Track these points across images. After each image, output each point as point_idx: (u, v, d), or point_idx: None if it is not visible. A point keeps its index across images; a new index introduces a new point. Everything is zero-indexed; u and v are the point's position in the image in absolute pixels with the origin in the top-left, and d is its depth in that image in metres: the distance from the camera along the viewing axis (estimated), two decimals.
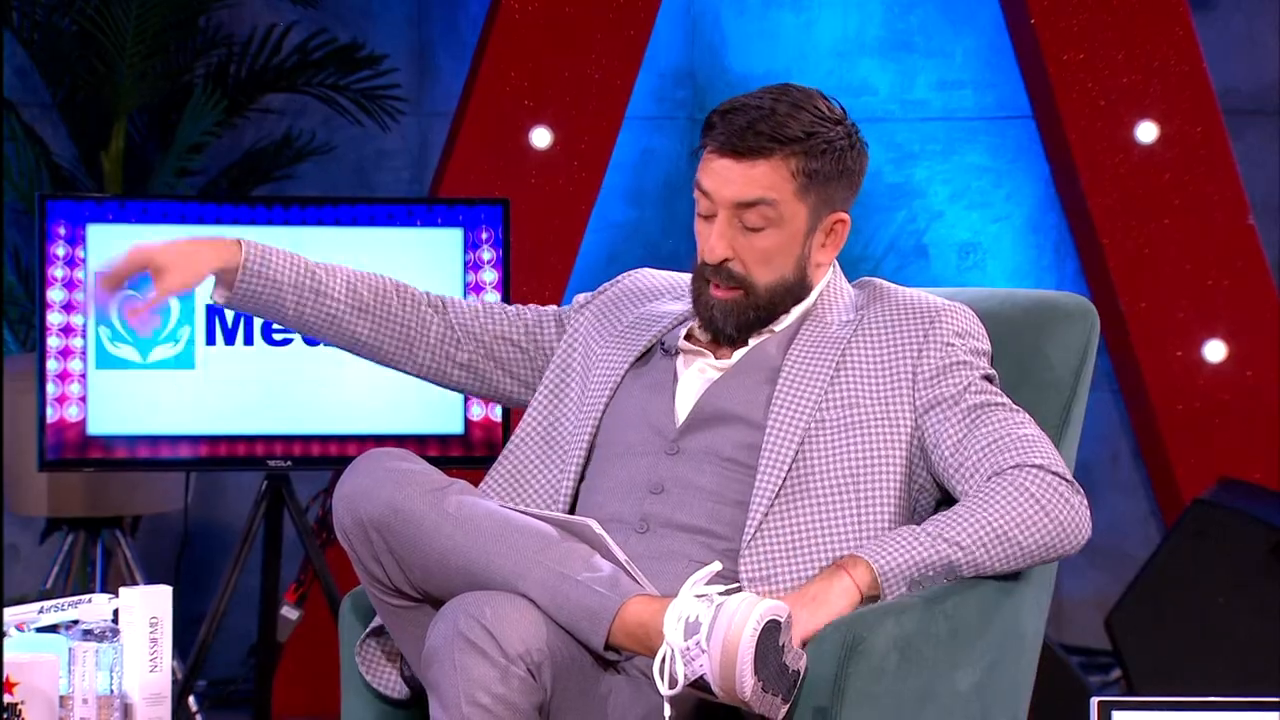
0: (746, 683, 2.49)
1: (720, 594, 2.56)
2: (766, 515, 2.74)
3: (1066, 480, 2.69)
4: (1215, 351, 5.38)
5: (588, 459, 2.91)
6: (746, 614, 2.50)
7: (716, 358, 2.88)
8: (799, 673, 2.55)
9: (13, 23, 5.31)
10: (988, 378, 2.82)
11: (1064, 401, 2.88)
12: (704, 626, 2.52)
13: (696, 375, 2.88)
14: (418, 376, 3.08)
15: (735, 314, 2.85)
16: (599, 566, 2.61)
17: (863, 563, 2.62)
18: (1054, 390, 2.88)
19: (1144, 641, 4.63)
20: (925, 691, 2.61)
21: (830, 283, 2.91)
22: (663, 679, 2.53)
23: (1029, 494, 2.67)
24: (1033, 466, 2.69)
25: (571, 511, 2.88)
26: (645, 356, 2.94)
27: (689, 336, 2.91)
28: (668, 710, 2.55)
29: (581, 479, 2.91)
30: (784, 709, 2.54)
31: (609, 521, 2.80)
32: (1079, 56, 5.38)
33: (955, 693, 2.65)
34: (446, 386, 3.10)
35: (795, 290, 2.87)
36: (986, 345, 2.86)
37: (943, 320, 2.83)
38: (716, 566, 2.61)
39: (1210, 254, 5.37)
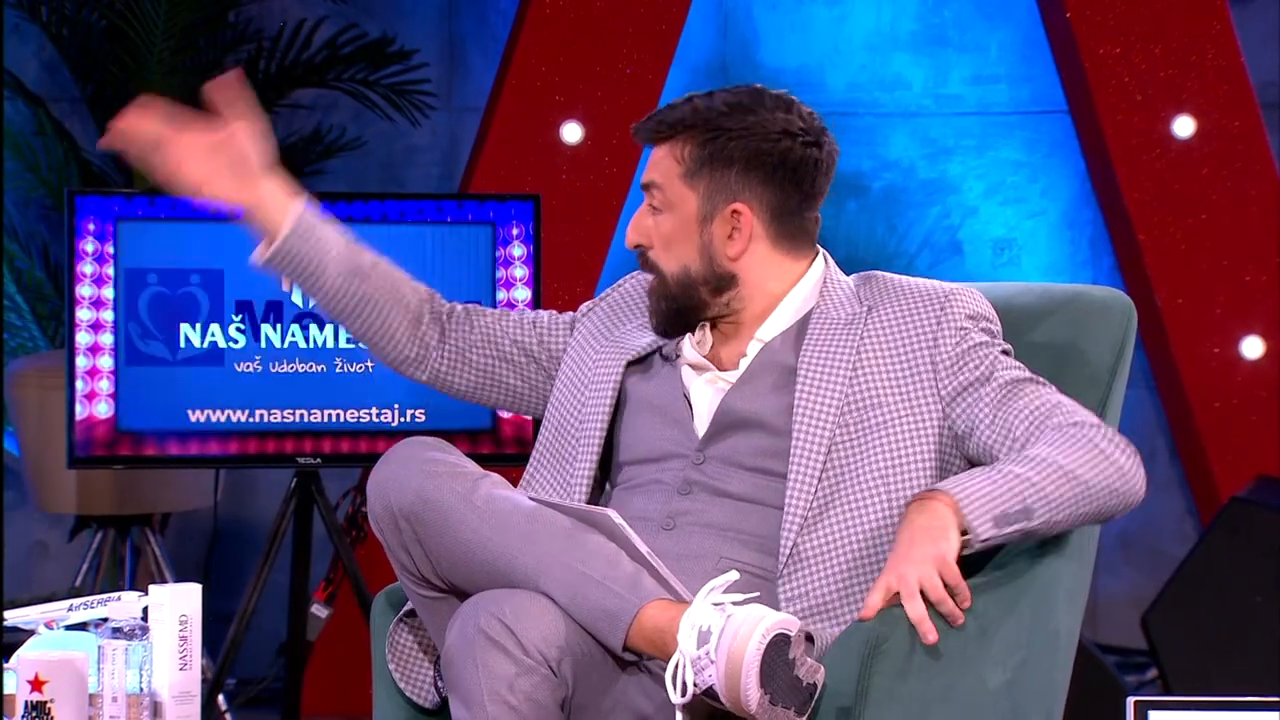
0: (751, 695, 2.49)
1: (735, 604, 2.55)
2: (801, 530, 2.72)
3: (1115, 432, 2.69)
4: (1253, 348, 5.35)
5: (604, 465, 2.91)
6: (752, 627, 2.49)
7: (721, 369, 2.86)
8: (816, 685, 2.54)
9: (42, 17, 5.30)
10: (1006, 353, 2.80)
11: (1100, 397, 2.84)
12: (714, 636, 2.52)
13: (706, 386, 2.86)
14: (427, 379, 3.04)
15: (653, 301, 2.88)
16: (622, 566, 2.61)
17: (947, 495, 2.58)
18: (1090, 385, 2.85)
19: (1180, 641, 4.60)
20: (952, 690, 2.59)
21: (825, 275, 2.88)
22: (674, 687, 2.53)
23: (1087, 439, 2.66)
24: (1085, 423, 2.68)
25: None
26: (644, 361, 2.92)
27: (696, 346, 2.90)
28: (679, 717, 2.54)
29: (601, 487, 2.92)
30: None
31: (635, 519, 2.79)
32: (1115, 50, 5.35)
33: (985, 691, 2.62)
34: (454, 391, 3.06)
35: (712, 281, 2.84)
36: (998, 325, 2.84)
37: (953, 305, 2.81)
38: (733, 576, 2.59)
39: (1248, 249, 5.33)
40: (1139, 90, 5.35)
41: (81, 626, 2.94)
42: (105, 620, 2.87)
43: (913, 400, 2.77)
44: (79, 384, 4.14)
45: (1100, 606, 5.49)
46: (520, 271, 4.25)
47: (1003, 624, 2.63)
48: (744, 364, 2.85)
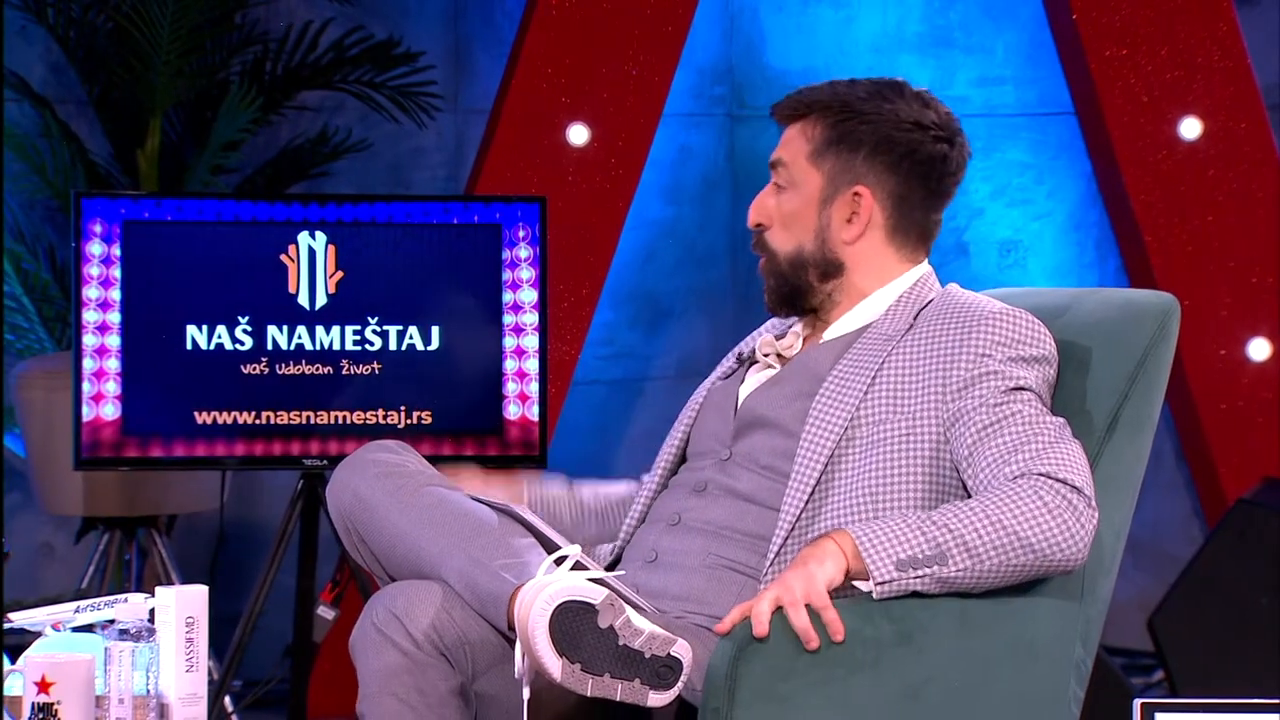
0: (549, 663, 2.48)
1: (592, 580, 2.56)
2: (789, 536, 2.73)
3: (1073, 487, 2.61)
4: (1259, 350, 5.34)
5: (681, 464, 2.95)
6: (536, 594, 2.50)
7: (781, 365, 2.87)
8: (677, 659, 2.52)
9: (49, 19, 5.31)
10: (1021, 388, 2.72)
11: (1112, 406, 2.78)
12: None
13: (753, 384, 2.88)
14: None
15: (765, 279, 2.89)
16: (521, 553, 2.63)
17: (846, 534, 2.58)
18: (1104, 393, 2.79)
19: (1187, 643, 4.60)
20: (859, 695, 2.56)
21: (907, 293, 2.86)
22: (521, 666, 2.55)
23: (1030, 490, 2.60)
24: (1037, 475, 2.62)
25: (647, 514, 2.92)
26: (735, 372, 2.97)
27: (766, 345, 2.93)
28: (525, 693, 2.55)
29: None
30: (657, 695, 2.51)
31: (655, 521, 2.85)
32: (1121, 52, 5.34)
33: (913, 698, 2.58)
34: None
35: (820, 266, 2.85)
36: (1040, 351, 2.76)
37: (982, 329, 2.75)
38: (574, 550, 2.60)
39: (1254, 251, 5.33)
40: (1145, 92, 5.35)
41: (88, 628, 2.94)
42: (112, 622, 2.86)
43: (915, 419, 2.74)
44: (85, 386, 4.14)
45: (1108, 609, 5.47)
46: (526, 273, 4.24)
47: (939, 630, 2.59)
48: (789, 363, 2.87)
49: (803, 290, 2.86)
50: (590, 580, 2.56)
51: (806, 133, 2.85)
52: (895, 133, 2.81)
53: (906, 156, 2.82)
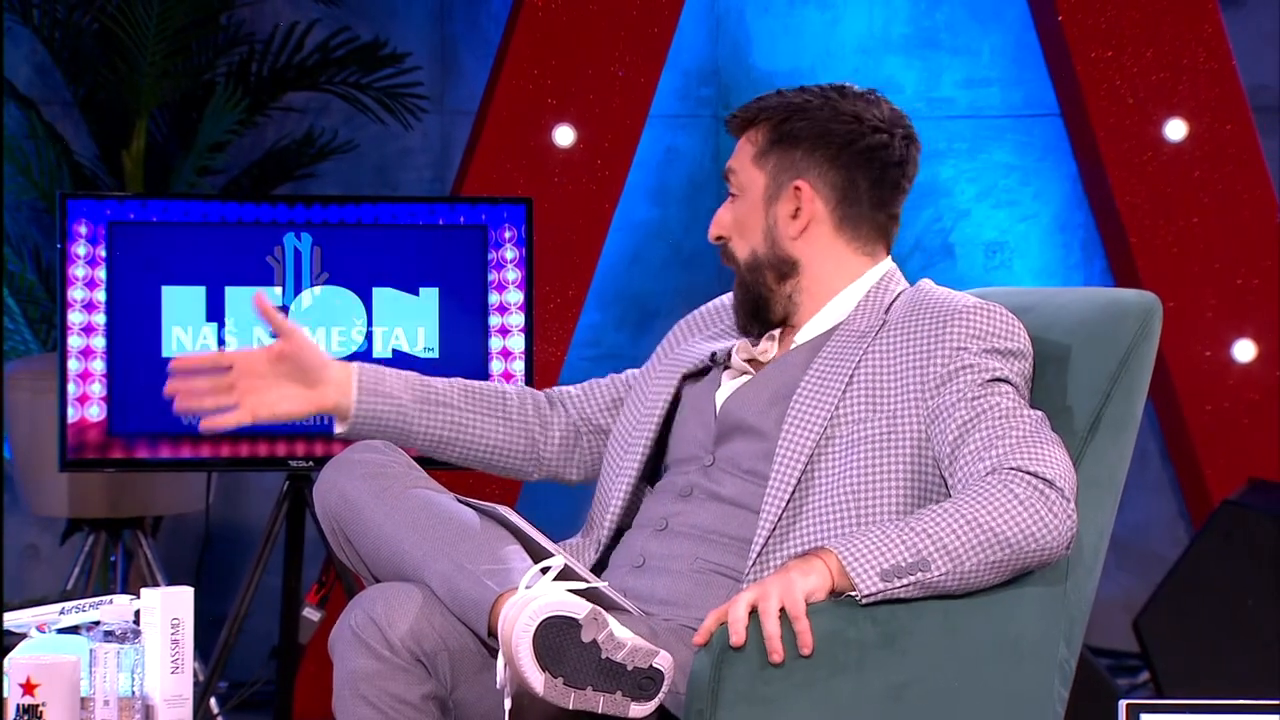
0: (531, 677, 2.49)
1: (574, 591, 2.56)
2: (769, 538, 2.73)
3: (1045, 480, 2.62)
4: (1244, 351, 5.35)
5: (651, 468, 2.93)
6: (521, 609, 2.50)
7: (755, 370, 2.88)
8: (658, 670, 2.52)
9: (34, 20, 5.30)
10: (998, 379, 2.73)
11: (1094, 406, 2.78)
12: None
13: (730, 389, 2.88)
14: (542, 478, 3.09)
15: (734, 295, 2.92)
16: (506, 559, 2.62)
17: (830, 552, 2.58)
18: (1086, 394, 2.79)
19: (1172, 644, 4.60)
20: (842, 697, 2.56)
21: (873, 290, 2.86)
22: (501, 676, 2.55)
23: (1003, 486, 2.61)
24: (1009, 469, 2.63)
25: (629, 518, 2.91)
26: (706, 371, 2.95)
27: (743, 350, 2.92)
28: (507, 703, 2.55)
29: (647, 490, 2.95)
30: (639, 707, 2.52)
31: (640, 527, 2.86)
32: (1107, 54, 5.35)
33: (896, 699, 2.59)
34: (569, 482, 3.11)
35: (775, 267, 2.86)
36: (1015, 345, 2.77)
37: (957, 323, 2.76)
38: (557, 561, 2.59)
39: (1239, 253, 5.34)
40: (1131, 94, 5.35)
41: (73, 630, 2.93)
42: (97, 623, 2.86)
43: (896, 417, 2.75)
44: (70, 387, 4.13)
45: (1092, 609, 5.48)
46: (513, 275, 4.24)
47: (923, 631, 2.59)
48: (764, 368, 2.87)
49: (764, 298, 2.87)
50: (575, 590, 2.56)
51: (752, 138, 2.87)
52: (833, 125, 2.83)
53: (845, 148, 2.83)
